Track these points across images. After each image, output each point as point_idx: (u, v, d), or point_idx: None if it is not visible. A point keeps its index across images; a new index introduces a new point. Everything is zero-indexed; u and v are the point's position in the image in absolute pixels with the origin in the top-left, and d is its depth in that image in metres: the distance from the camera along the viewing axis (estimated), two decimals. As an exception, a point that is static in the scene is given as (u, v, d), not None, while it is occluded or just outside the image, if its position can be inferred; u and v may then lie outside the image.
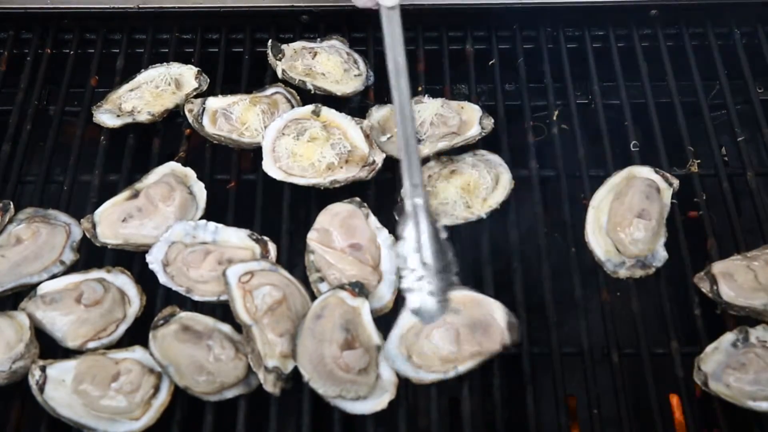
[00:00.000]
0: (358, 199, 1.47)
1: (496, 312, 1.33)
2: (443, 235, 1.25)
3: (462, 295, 1.33)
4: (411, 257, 1.23)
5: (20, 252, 1.41)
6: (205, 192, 1.50)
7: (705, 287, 1.38)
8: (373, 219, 1.45)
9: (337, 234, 1.42)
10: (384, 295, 1.38)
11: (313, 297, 1.37)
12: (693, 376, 1.29)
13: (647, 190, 1.46)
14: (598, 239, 1.44)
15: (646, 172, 1.51)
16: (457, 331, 1.31)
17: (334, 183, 1.48)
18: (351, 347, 1.28)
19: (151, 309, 1.38)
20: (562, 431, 1.30)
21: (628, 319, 1.39)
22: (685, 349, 1.34)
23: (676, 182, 1.50)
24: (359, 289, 1.34)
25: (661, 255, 1.42)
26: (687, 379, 1.32)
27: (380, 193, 1.53)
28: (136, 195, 1.49)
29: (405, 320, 1.34)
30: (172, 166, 1.54)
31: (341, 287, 1.35)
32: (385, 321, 1.36)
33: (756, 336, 1.31)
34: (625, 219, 1.42)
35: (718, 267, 1.39)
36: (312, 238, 1.42)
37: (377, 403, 1.26)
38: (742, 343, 1.30)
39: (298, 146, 1.49)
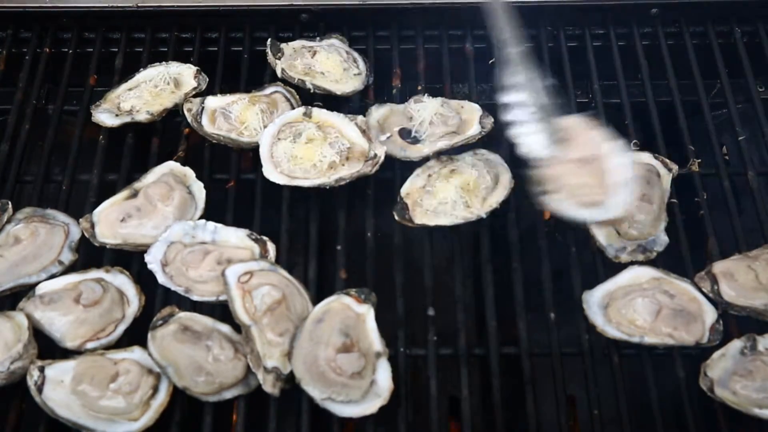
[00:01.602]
0: None
1: (707, 314, 1.34)
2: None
3: (683, 287, 1.37)
4: (522, 100, 1.33)
5: (19, 252, 1.41)
6: (204, 192, 1.50)
7: (705, 287, 1.38)
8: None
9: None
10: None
11: (319, 298, 1.36)
12: (699, 382, 1.29)
13: (647, 175, 1.47)
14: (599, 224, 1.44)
15: (645, 157, 1.53)
16: (660, 308, 1.33)
17: (340, 181, 1.46)
18: (348, 352, 1.27)
19: (150, 309, 1.37)
20: (562, 431, 1.30)
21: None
22: (686, 350, 1.34)
23: (675, 167, 1.51)
24: (365, 296, 1.34)
25: (662, 239, 1.43)
26: (688, 379, 1.32)
27: (380, 192, 1.53)
28: (135, 195, 1.49)
29: (623, 278, 1.38)
30: (171, 165, 1.53)
31: (346, 293, 1.34)
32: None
33: (764, 344, 1.31)
34: None
35: (718, 267, 1.39)
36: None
37: (367, 407, 1.25)
38: (750, 351, 1.30)
39: (296, 149, 1.49)
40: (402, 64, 1.73)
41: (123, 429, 1.24)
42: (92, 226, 1.45)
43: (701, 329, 1.33)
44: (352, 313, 1.32)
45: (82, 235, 1.46)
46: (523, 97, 1.33)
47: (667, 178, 1.50)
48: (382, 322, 1.34)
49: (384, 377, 1.27)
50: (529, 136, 1.33)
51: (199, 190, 1.50)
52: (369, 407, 1.25)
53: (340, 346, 1.27)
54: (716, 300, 1.36)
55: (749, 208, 1.55)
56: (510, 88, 1.34)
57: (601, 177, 1.33)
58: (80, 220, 1.46)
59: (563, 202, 1.33)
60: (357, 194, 1.52)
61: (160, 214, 1.45)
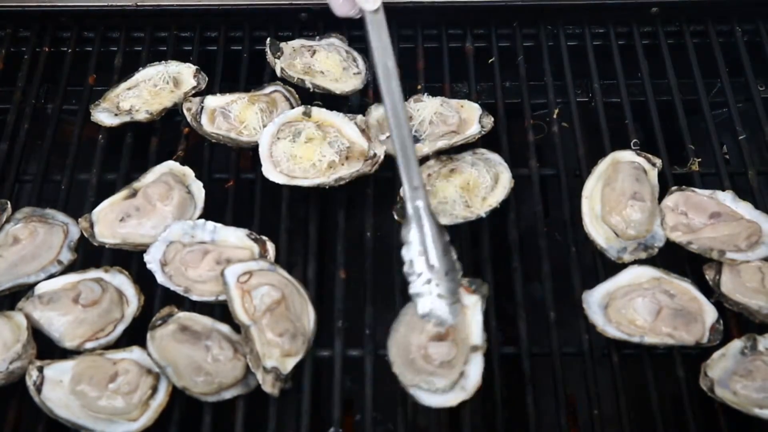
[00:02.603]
0: None
1: (707, 314, 1.34)
2: (446, 237, 1.26)
3: (683, 287, 1.36)
4: (417, 260, 1.24)
5: (18, 252, 1.41)
6: (203, 191, 1.49)
7: (709, 275, 1.38)
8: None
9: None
10: None
11: (318, 298, 1.35)
12: (699, 382, 1.29)
13: (635, 173, 1.47)
14: (596, 228, 1.45)
15: (629, 155, 1.53)
16: (660, 308, 1.33)
17: (339, 180, 1.46)
18: (442, 340, 1.27)
19: (149, 309, 1.37)
20: (562, 431, 1.30)
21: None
22: (686, 350, 1.33)
23: (659, 162, 1.52)
24: (476, 287, 1.34)
25: (661, 235, 1.43)
26: (688, 379, 1.31)
27: (380, 191, 1.53)
28: (134, 194, 1.48)
29: (623, 278, 1.37)
30: (171, 165, 1.53)
31: None
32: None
33: (764, 344, 1.31)
34: (619, 203, 1.43)
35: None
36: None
37: (448, 399, 1.25)
38: (750, 351, 1.30)
39: (296, 148, 1.48)
40: (401, 63, 1.72)
41: (122, 429, 1.24)
42: (91, 225, 1.45)
43: (701, 329, 1.32)
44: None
45: (82, 234, 1.45)
46: (419, 258, 1.24)
47: (653, 174, 1.50)
48: (382, 322, 1.34)
49: (475, 371, 1.27)
50: (427, 300, 1.24)
51: (199, 189, 1.50)
52: (450, 399, 1.25)
53: (434, 334, 1.27)
54: (713, 288, 1.37)
55: (749, 208, 1.55)
56: (408, 244, 1.25)
57: (737, 225, 1.40)
58: (79, 219, 1.46)
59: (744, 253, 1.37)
60: (356, 194, 1.52)
61: (159, 214, 1.45)
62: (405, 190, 1.25)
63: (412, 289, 1.24)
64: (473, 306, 1.33)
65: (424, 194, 1.25)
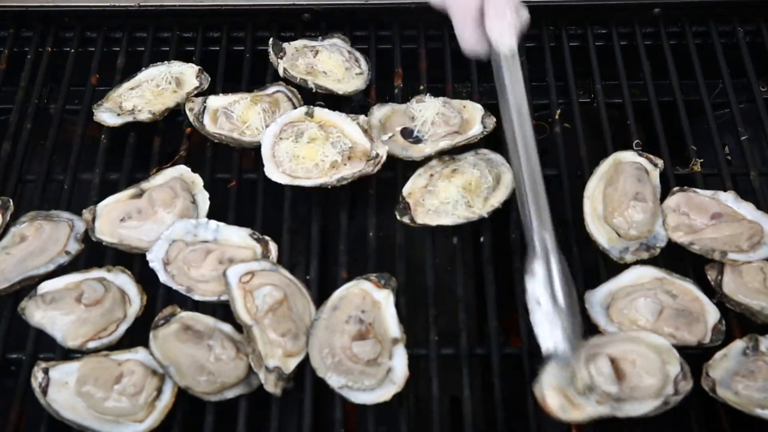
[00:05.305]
0: None
1: (710, 314, 1.34)
2: (568, 273, 1.26)
3: (685, 287, 1.36)
4: (542, 295, 1.24)
5: (25, 248, 1.41)
6: (208, 202, 1.49)
7: (711, 275, 1.39)
8: None
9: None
10: None
11: (320, 298, 1.36)
12: (701, 382, 1.29)
13: (637, 173, 1.48)
14: (598, 229, 1.45)
15: (630, 156, 1.53)
16: (662, 308, 1.33)
17: (342, 180, 1.46)
18: (363, 338, 1.28)
19: (151, 309, 1.37)
20: (563, 431, 1.30)
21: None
22: (688, 350, 1.33)
23: (661, 162, 1.52)
24: (385, 281, 1.35)
25: (662, 235, 1.43)
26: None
27: (382, 191, 1.53)
28: (140, 195, 1.48)
29: (625, 278, 1.38)
30: (182, 170, 1.52)
31: (366, 278, 1.35)
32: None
33: (766, 345, 1.31)
34: (621, 204, 1.44)
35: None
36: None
37: (381, 395, 1.26)
38: (752, 352, 1.30)
39: (298, 148, 1.48)
40: (404, 63, 1.73)
41: (128, 431, 1.24)
42: (93, 219, 1.45)
43: (703, 329, 1.32)
44: (369, 298, 1.33)
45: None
46: (543, 293, 1.25)
47: (654, 174, 1.50)
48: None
49: (400, 364, 1.28)
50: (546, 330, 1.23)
51: (203, 200, 1.49)
52: (383, 395, 1.26)
53: (355, 333, 1.28)
54: (715, 289, 1.37)
55: (751, 209, 1.55)
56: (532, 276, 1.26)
57: (739, 225, 1.40)
58: (84, 210, 1.45)
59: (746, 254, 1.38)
60: (359, 194, 1.53)
61: (158, 221, 1.44)
62: (534, 225, 1.26)
63: (535, 321, 1.24)
64: (385, 300, 1.33)
65: (551, 229, 1.26)
